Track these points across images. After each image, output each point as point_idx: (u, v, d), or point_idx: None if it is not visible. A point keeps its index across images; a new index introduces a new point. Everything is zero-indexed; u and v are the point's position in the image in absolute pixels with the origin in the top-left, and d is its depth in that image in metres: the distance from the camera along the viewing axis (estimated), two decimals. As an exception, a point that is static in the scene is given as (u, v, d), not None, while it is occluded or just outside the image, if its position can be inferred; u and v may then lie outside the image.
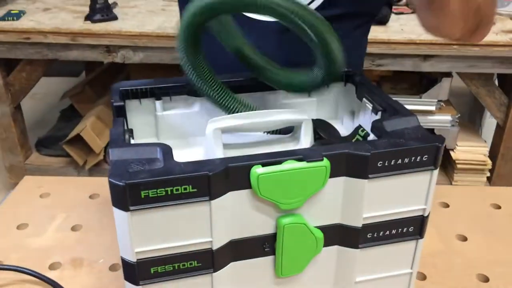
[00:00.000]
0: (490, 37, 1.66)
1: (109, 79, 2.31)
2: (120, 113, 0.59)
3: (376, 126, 0.57)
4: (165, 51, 1.74)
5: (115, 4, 1.94)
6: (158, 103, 0.67)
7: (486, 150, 1.91)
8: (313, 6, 0.81)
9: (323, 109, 0.76)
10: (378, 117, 0.62)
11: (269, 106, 0.71)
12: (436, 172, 0.53)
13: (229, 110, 0.63)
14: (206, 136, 0.57)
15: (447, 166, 1.98)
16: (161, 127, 0.68)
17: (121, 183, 0.43)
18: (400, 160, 0.51)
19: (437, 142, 0.52)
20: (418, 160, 0.52)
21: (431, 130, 1.90)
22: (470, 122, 2.40)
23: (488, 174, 1.92)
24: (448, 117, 1.87)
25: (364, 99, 0.67)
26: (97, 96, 2.21)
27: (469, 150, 1.91)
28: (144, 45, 1.73)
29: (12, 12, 1.83)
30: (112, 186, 0.44)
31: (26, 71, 1.86)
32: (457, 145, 1.92)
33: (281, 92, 0.72)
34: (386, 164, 0.51)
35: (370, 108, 0.65)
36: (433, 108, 1.84)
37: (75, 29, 1.71)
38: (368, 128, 0.62)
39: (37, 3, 2.03)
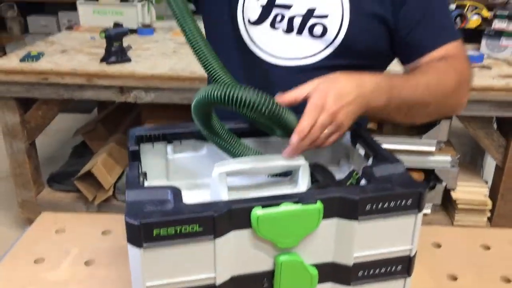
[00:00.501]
0: (487, 81, 1.73)
1: (121, 117, 2.40)
2: (135, 157, 0.65)
3: (366, 172, 0.63)
4: (175, 92, 1.82)
5: (129, 47, 2.05)
6: (169, 147, 0.74)
7: (486, 190, 1.95)
8: (321, 56, 0.87)
9: (321, 152, 0.82)
10: (369, 162, 0.68)
11: (272, 150, 0.77)
12: (420, 215, 0.59)
13: (236, 155, 0.70)
14: (212, 179, 0.63)
15: (448, 206, 2.01)
16: (171, 169, 0.75)
17: (136, 222, 0.49)
18: (387, 203, 0.57)
19: (420, 188, 0.57)
20: (403, 204, 0.57)
21: (432, 171, 1.95)
22: (471, 161, 2.45)
23: (489, 215, 1.95)
24: (448, 158, 1.92)
25: (357, 145, 0.73)
26: (109, 134, 2.29)
27: (470, 191, 1.95)
28: (156, 86, 1.81)
29: (31, 54, 1.94)
30: (128, 225, 0.49)
31: (42, 110, 1.95)
32: (457, 185, 1.96)
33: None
34: (374, 207, 0.56)
35: (363, 154, 0.71)
36: (433, 148, 1.89)
37: (91, 71, 1.80)
38: (361, 171, 0.67)
39: (55, 45, 2.14)
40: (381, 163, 0.63)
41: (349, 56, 0.86)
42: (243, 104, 0.59)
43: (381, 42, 0.87)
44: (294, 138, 0.63)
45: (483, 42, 2.02)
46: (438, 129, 1.87)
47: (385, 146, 2.01)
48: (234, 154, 0.70)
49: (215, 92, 0.59)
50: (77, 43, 2.18)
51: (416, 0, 0.84)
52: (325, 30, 0.85)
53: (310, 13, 0.85)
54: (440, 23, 0.86)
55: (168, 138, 0.72)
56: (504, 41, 2.00)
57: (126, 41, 2.04)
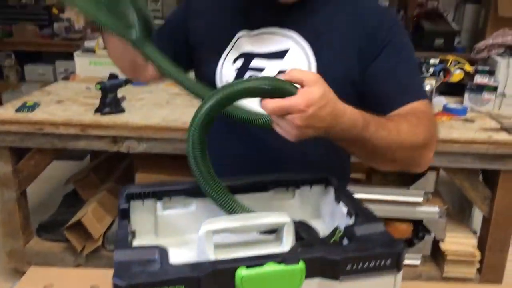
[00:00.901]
0: (470, 135, 1.78)
1: (113, 165, 2.42)
2: (125, 215, 0.67)
3: (348, 231, 0.65)
4: (167, 142, 1.86)
5: (123, 98, 2.10)
6: (159, 203, 0.76)
7: (474, 241, 1.96)
8: None
9: (306, 208, 0.85)
10: (351, 220, 0.71)
11: (256, 207, 0.79)
12: (399, 274, 0.61)
13: (229, 210, 0.71)
14: (199, 237, 0.65)
15: (437, 257, 2.02)
16: (160, 225, 0.77)
17: (123, 284, 0.50)
18: (367, 263, 0.59)
19: (399, 248, 0.60)
20: (382, 264, 0.59)
21: (420, 221, 1.97)
22: (460, 210, 2.47)
23: (478, 266, 1.96)
24: (436, 209, 1.94)
25: (341, 202, 0.76)
26: (101, 182, 2.30)
27: (458, 242, 1.96)
28: (148, 137, 1.85)
29: (27, 104, 1.98)
30: (116, 286, 0.51)
31: (35, 159, 1.97)
32: (446, 236, 1.97)
33: (268, 194, 0.81)
34: (355, 267, 0.58)
35: (345, 211, 0.73)
36: (420, 199, 1.92)
37: (85, 121, 1.84)
38: (344, 229, 0.70)
39: (51, 95, 2.19)
40: (362, 222, 0.66)
41: None
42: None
43: (349, 101, 0.91)
44: (271, 105, 0.66)
45: (466, 95, 2.10)
46: (425, 180, 1.90)
47: (373, 196, 2.03)
48: (224, 208, 0.72)
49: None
50: (73, 93, 2.23)
51: (383, 61, 0.90)
52: None
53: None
54: (406, 83, 0.90)
55: (158, 195, 0.75)
56: (486, 95, 2.08)
57: (121, 91, 2.09)
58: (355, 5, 0.95)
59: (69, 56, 2.76)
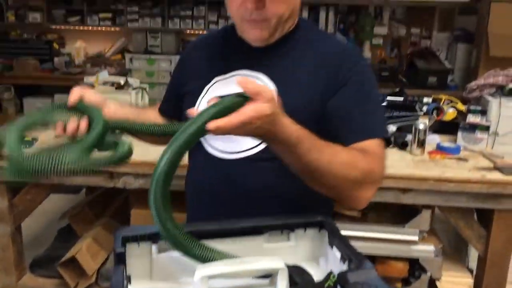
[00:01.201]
0: (464, 174, 1.80)
1: (109, 200, 2.42)
2: (121, 259, 0.68)
3: (341, 277, 0.66)
4: (163, 178, 1.87)
5: (121, 133, 2.12)
6: (154, 246, 0.77)
7: (470, 281, 1.95)
8: (257, 149, 0.97)
9: (301, 252, 0.85)
10: (345, 265, 0.71)
11: (251, 250, 0.80)
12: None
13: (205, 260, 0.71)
14: (195, 282, 0.66)
15: (434, 296, 2.00)
16: (155, 269, 0.77)
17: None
18: (359, 311, 0.59)
19: (391, 296, 0.61)
20: (375, 312, 0.60)
21: (416, 260, 1.96)
22: (457, 248, 2.46)
23: (475, 305, 1.94)
24: (431, 247, 1.94)
25: (334, 247, 0.77)
26: (96, 217, 2.30)
27: (455, 281, 1.95)
28: (145, 173, 1.86)
29: (25, 139, 1.99)
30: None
31: (31, 194, 1.97)
32: (442, 275, 1.96)
33: (263, 237, 0.82)
34: (347, 314, 0.59)
35: (339, 256, 0.74)
36: (416, 238, 1.92)
37: (82, 157, 1.85)
38: (337, 276, 0.70)
39: (49, 130, 2.20)
40: (356, 269, 0.66)
41: None
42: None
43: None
44: (220, 123, 0.70)
45: (459, 134, 2.13)
46: (420, 218, 1.91)
47: (368, 234, 2.02)
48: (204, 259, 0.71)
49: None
50: (71, 128, 2.24)
51: (339, 99, 0.95)
52: None
53: None
54: (362, 121, 0.95)
55: (153, 238, 0.75)
56: (478, 134, 2.11)
57: (119, 127, 2.11)
58: (322, 47, 1.01)
59: (69, 90, 2.78)
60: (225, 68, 1.04)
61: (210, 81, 1.04)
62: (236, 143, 0.98)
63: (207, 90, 1.04)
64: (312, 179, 0.86)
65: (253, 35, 0.98)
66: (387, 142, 1.03)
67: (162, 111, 1.23)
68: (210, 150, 1.01)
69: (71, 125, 0.88)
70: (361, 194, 0.90)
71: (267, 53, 1.01)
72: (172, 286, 0.74)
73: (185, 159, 1.12)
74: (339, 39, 1.09)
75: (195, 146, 1.04)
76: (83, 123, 0.89)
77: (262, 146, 0.96)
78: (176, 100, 1.13)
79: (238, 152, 0.98)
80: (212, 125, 0.69)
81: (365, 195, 0.90)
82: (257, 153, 0.97)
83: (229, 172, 0.98)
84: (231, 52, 1.06)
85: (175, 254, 0.78)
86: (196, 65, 1.11)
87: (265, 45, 1.01)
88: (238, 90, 0.96)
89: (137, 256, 0.75)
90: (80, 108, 0.92)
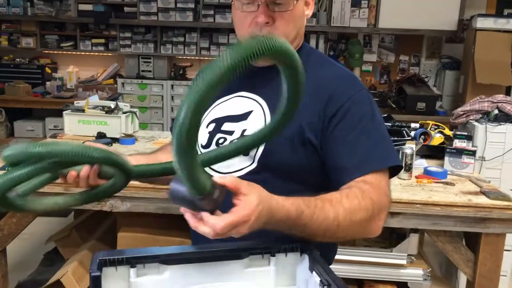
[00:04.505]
0: (450, 198, 1.81)
1: (96, 223, 2.39)
2: (96, 284, 0.67)
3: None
4: (150, 202, 1.86)
5: (109, 157, 2.12)
6: (132, 270, 0.76)
7: (459, 305, 1.94)
8: (247, 170, 0.98)
9: (282, 276, 0.85)
10: (324, 290, 0.71)
11: (231, 274, 0.80)
12: None
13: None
14: (170, 306, 0.65)
15: (423, 321, 1.98)
16: (133, 293, 0.76)
17: None
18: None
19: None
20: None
21: (405, 284, 1.95)
22: (447, 271, 2.45)
23: (464, 331, 1.93)
24: (419, 271, 1.94)
25: (314, 272, 0.77)
26: (82, 241, 2.27)
27: (443, 306, 1.94)
28: (132, 196, 1.85)
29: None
30: None
31: (17, 217, 1.94)
32: (431, 299, 1.95)
33: (243, 261, 0.81)
34: None
35: (319, 281, 0.74)
36: (404, 262, 1.91)
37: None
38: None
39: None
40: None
41: (269, 171, 0.96)
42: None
43: (299, 159, 0.96)
44: (220, 225, 0.70)
45: (446, 159, 2.15)
46: (407, 242, 1.91)
47: (356, 258, 2.01)
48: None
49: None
50: (59, 151, 2.24)
51: (338, 133, 0.95)
52: None
53: (242, 134, 1.00)
54: (362, 154, 0.93)
55: (132, 262, 0.75)
56: (465, 159, 2.13)
57: (107, 151, 2.11)
58: (319, 74, 1.02)
59: (60, 113, 2.80)
60: (227, 90, 1.06)
61: (213, 102, 1.07)
62: (229, 164, 0.99)
63: (208, 112, 1.07)
64: (326, 237, 0.87)
65: None
66: (396, 168, 0.99)
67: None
68: (207, 169, 1.02)
69: (84, 172, 0.88)
70: (372, 227, 0.90)
71: (268, 75, 1.03)
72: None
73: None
74: (339, 67, 1.07)
75: None
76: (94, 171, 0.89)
77: (253, 166, 0.97)
78: None
79: (231, 172, 0.99)
80: (212, 234, 0.70)
81: (376, 226, 0.91)
82: (248, 173, 0.97)
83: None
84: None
85: (153, 278, 0.77)
86: None
87: (268, 65, 1.02)
88: (233, 113, 1.03)
89: (115, 280, 0.75)
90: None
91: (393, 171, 0.98)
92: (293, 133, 0.96)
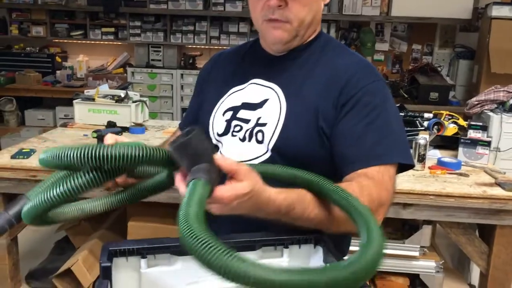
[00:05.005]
0: (464, 189, 1.78)
1: (106, 213, 2.39)
2: (106, 274, 0.66)
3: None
4: (161, 191, 1.85)
5: (119, 146, 2.11)
6: (143, 261, 0.75)
7: (472, 298, 1.92)
8: (261, 159, 0.97)
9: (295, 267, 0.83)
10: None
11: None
12: None
13: None
14: (182, 298, 0.64)
15: (435, 313, 1.96)
16: (144, 283, 0.75)
17: None
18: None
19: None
20: (367, 330, 0.57)
21: (417, 276, 1.93)
22: (459, 263, 2.42)
23: (477, 324, 1.90)
24: (432, 263, 1.91)
25: (328, 264, 0.75)
26: (93, 229, 2.28)
27: (456, 298, 1.92)
28: (142, 185, 1.84)
29: (23, 150, 1.99)
30: None
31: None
32: (443, 292, 1.93)
33: (256, 253, 0.80)
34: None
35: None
36: (416, 253, 1.89)
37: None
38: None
39: (47, 142, 2.20)
40: None
41: (281, 160, 0.94)
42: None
43: (314, 148, 0.94)
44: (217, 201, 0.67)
45: (460, 149, 2.12)
46: (420, 234, 1.88)
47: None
48: None
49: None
50: (70, 140, 2.24)
51: (347, 121, 0.92)
52: (263, 136, 0.97)
53: (257, 122, 0.99)
54: (368, 146, 0.90)
55: (143, 253, 0.74)
56: (480, 149, 2.09)
57: (117, 140, 2.11)
58: (336, 60, 1.00)
59: (70, 102, 2.80)
60: (243, 78, 1.05)
61: (228, 90, 1.06)
62: (243, 153, 0.98)
63: (224, 100, 1.05)
64: (322, 229, 0.85)
65: (274, 36, 0.97)
66: (405, 166, 0.94)
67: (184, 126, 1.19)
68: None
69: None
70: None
71: (283, 63, 1.02)
72: (161, 302, 0.72)
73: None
74: (357, 56, 1.03)
75: None
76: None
77: (266, 156, 0.96)
78: (197, 113, 1.14)
79: (245, 161, 0.97)
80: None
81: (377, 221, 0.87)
82: (261, 162, 0.96)
83: None
84: (251, 62, 1.08)
85: (164, 269, 0.76)
86: (217, 75, 1.12)
87: (283, 52, 1.02)
88: (252, 100, 1.00)
89: (126, 271, 0.74)
90: None
91: (403, 167, 0.94)
92: (308, 121, 0.94)
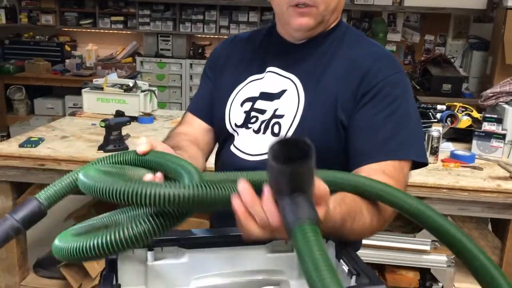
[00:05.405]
0: (478, 183, 1.74)
1: (115, 204, 2.39)
2: (112, 267, 0.64)
3: (347, 292, 0.61)
4: (169, 182, 1.83)
5: (128, 135, 2.09)
6: (149, 254, 0.73)
7: (484, 293, 1.89)
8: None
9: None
10: (353, 281, 0.67)
11: (253, 260, 0.76)
12: None
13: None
14: (189, 293, 0.61)
15: (445, 308, 1.94)
16: (150, 276, 0.73)
17: None
18: (366, 329, 0.55)
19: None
20: (383, 331, 0.55)
21: (427, 270, 1.90)
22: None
23: (488, 320, 1.87)
24: (443, 258, 1.88)
25: (341, 260, 0.72)
26: (101, 219, 2.27)
27: (467, 293, 1.89)
28: (150, 175, 1.83)
29: (31, 139, 1.98)
30: None
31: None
32: (454, 286, 1.90)
33: (266, 247, 0.77)
34: (353, 333, 0.54)
35: (346, 270, 0.70)
36: (427, 247, 1.86)
37: (87, 158, 1.83)
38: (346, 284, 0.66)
39: (56, 131, 2.19)
40: (364, 284, 0.62)
41: None
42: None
43: (332, 142, 0.91)
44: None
45: (474, 142, 2.07)
46: (432, 228, 1.85)
47: (379, 243, 1.97)
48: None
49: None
50: (78, 129, 2.23)
51: (365, 112, 0.89)
52: (280, 128, 0.94)
53: (274, 114, 0.96)
54: (384, 140, 0.87)
55: (149, 245, 0.71)
56: (494, 142, 2.05)
57: (126, 129, 2.09)
58: (355, 50, 0.96)
59: (79, 91, 2.78)
60: (260, 66, 1.01)
61: (246, 78, 1.02)
62: (258, 146, 0.96)
63: (241, 88, 1.02)
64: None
65: (299, 22, 0.92)
66: (419, 165, 0.91)
67: (199, 112, 1.09)
68: (235, 150, 1.00)
69: (148, 178, 0.68)
70: (378, 229, 0.82)
71: (302, 51, 0.98)
72: (168, 295, 0.70)
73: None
74: (377, 46, 0.99)
75: (224, 144, 1.05)
76: (159, 176, 0.69)
77: None
78: (212, 98, 1.08)
79: (260, 155, 0.96)
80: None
81: (383, 221, 0.83)
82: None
83: None
84: (268, 51, 1.03)
85: (171, 261, 0.74)
86: (233, 61, 1.07)
87: (303, 40, 0.98)
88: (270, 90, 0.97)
89: (132, 263, 0.71)
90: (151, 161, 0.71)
91: (416, 164, 0.91)
92: (327, 114, 0.91)
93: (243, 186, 0.56)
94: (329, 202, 0.60)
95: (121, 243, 0.53)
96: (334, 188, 0.70)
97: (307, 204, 0.50)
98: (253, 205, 0.55)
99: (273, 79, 0.99)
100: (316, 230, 0.48)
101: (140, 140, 0.73)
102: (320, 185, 0.55)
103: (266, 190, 0.55)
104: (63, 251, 0.57)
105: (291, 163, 0.48)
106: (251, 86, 1.01)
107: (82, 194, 0.68)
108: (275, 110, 0.96)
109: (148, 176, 0.66)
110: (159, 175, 0.68)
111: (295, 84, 0.96)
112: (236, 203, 0.56)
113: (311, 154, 0.50)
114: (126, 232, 0.54)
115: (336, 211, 0.67)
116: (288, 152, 0.50)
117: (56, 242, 0.60)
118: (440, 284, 1.91)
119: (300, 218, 0.49)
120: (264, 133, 0.97)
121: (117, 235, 0.54)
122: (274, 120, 0.96)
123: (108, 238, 0.54)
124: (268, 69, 1.00)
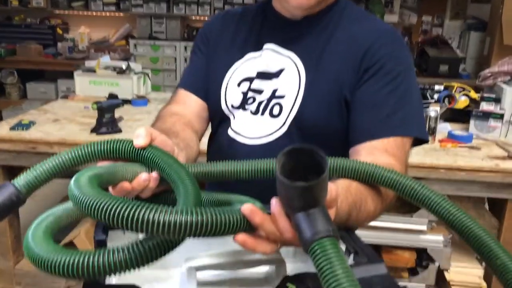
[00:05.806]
0: (476, 163, 1.72)
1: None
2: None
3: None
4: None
5: (121, 118, 2.06)
6: (141, 234, 0.70)
7: (481, 271, 1.89)
8: (277, 135, 0.91)
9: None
10: (351, 259, 0.65)
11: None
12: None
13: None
14: (181, 274, 0.59)
15: (442, 287, 1.94)
16: (142, 257, 0.70)
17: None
18: (364, 309, 0.53)
19: (400, 293, 0.54)
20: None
21: (424, 250, 1.90)
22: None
23: (485, 297, 1.88)
24: (440, 238, 1.87)
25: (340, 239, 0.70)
26: (95, 203, 2.25)
27: (464, 272, 1.89)
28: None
29: (22, 122, 1.94)
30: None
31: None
32: (451, 265, 1.90)
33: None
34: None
35: (344, 249, 0.68)
36: (424, 227, 1.85)
37: (79, 141, 1.80)
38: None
39: (48, 114, 2.15)
40: (362, 263, 0.60)
41: (300, 134, 0.89)
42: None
43: (335, 122, 0.89)
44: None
45: (472, 122, 2.05)
46: (429, 208, 1.84)
47: (376, 223, 1.96)
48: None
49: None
50: (70, 112, 2.19)
51: (367, 88, 0.86)
52: (281, 110, 0.91)
53: (273, 95, 0.92)
54: (386, 115, 0.85)
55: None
56: (492, 122, 2.03)
57: (119, 111, 2.06)
58: (355, 26, 0.93)
59: (72, 75, 2.73)
60: (257, 43, 0.98)
61: (242, 56, 0.98)
62: (256, 128, 0.93)
63: (238, 67, 0.98)
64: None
65: (299, 1, 0.88)
66: (420, 141, 0.90)
67: (193, 87, 1.04)
68: (232, 134, 0.96)
69: (143, 178, 0.64)
70: (383, 208, 0.81)
71: (301, 28, 0.94)
72: (160, 276, 0.68)
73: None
74: (379, 21, 0.97)
75: (219, 127, 1.01)
76: (154, 176, 0.65)
77: (281, 132, 0.91)
78: (206, 73, 1.04)
79: (258, 138, 0.93)
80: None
81: (386, 205, 0.82)
82: (277, 139, 0.91)
83: (248, 157, 0.90)
84: (265, 27, 0.99)
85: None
86: (226, 37, 1.02)
87: (301, 17, 0.93)
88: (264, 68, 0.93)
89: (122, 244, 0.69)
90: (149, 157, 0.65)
91: (416, 141, 0.89)
92: (330, 93, 0.88)
93: (250, 208, 0.51)
94: (338, 201, 0.57)
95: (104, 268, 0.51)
96: (337, 175, 0.68)
97: (323, 218, 0.47)
98: (263, 224, 0.52)
99: (271, 56, 0.95)
100: (335, 244, 0.46)
101: (139, 131, 0.66)
102: (332, 191, 0.52)
103: (277, 206, 0.51)
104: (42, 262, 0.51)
105: (303, 177, 0.45)
106: (248, 65, 0.97)
107: (71, 177, 0.63)
108: (275, 91, 0.93)
109: (144, 176, 0.63)
110: (154, 175, 0.64)
111: (295, 63, 0.93)
112: (240, 239, 0.53)
113: (325, 167, 0.46)
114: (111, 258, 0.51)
115: (343, 205, 0.65)
116: (296, 162, 0.47)
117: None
118: (437, 263, 1.90)
119: (317, 233, 0.46)
120: (262, 114, 0.94)
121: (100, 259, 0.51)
122: (274, 101, 0.93)
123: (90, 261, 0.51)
124: (265, 46, 0.96)
